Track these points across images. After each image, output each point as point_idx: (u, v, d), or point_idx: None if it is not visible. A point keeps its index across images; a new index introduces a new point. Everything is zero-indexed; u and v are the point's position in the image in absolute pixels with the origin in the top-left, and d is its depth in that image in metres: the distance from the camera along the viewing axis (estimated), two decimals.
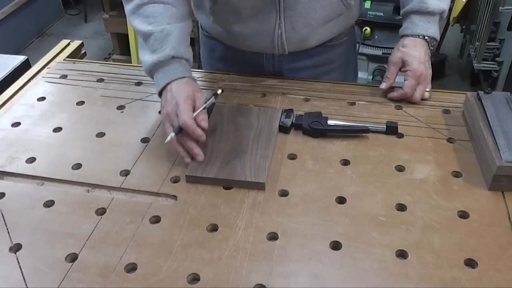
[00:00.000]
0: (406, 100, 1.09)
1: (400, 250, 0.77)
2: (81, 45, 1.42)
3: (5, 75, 1.31)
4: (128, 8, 1.04)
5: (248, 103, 1.12)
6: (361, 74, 2.58)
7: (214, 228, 0.82)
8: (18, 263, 0.78)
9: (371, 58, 2.66)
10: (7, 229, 0.83)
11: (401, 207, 0.85)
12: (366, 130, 1.00)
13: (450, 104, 1.09)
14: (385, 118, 1.04)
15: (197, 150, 0.93)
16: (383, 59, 2.59)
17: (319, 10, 1.09)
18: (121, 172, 0.94)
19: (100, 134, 1.04)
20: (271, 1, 1.06)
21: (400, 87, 1.09)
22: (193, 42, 2.47)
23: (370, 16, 2.54)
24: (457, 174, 0.91)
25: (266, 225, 0.82)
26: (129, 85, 1.20)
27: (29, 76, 1.25)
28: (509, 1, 2.35)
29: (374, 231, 0.81)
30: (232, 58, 1.24)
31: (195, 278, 0.75)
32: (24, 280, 0.75)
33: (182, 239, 0.80)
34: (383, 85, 1.10)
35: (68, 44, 1.40)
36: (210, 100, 0.98)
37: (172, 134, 0.92)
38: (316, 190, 0.89)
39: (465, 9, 2.66)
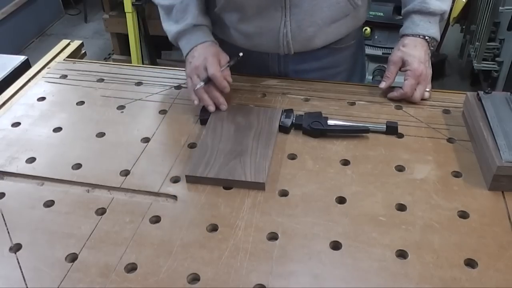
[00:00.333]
0: (406, 100, 1.09)
1: (400, 250, 0.77)
2: (81, 45, 1.42)
3: (5, 75, 1.31)
4: None
5: (248, 103, 1.12)
6: None
7: (214, 228, 0.82)
8: (18, 263, 0.77)
9: (371, 58, 2.66)
10: (7, 229, 0.83)
11: (401, 207, 0.85)
12: (366, 130, 1.00)
13: (450, 104, 1.09)
14: (385, 118, 1.04)
15: (222, 100, 1.06)
16: (383, 59, 2.59)
17: (326, 9, 1.08)
18: (121, 172, 0.94)
19: (100, 134, 1.04)
20: None
21: (400, 87, 1.09)
22: None
23: (370, 16, 2.53)
24: (457, 174, 0.91)
25: (266, 225, 0.82)
26: (129, 85, 1.20)
27: (29, 76, 1.25)
28: (509, 1, 2.34)
29: (374, 231, 0.81)
30: (238, 60, 1.23)
31: (195, 278, 0.75)
32: (24, 280, 0.75)
33: (182, 239, 0.80)
34: (383, 84, 1.10)
35: (68, 44, 1.40)
36: (233, 60, 1.10)
37: (202, 83, 1.04)
38: (316, 190, 0.89)
39: (465, 9, 2.66)
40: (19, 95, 1.19)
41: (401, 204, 0.85)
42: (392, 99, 1.10)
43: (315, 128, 1.00)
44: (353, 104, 1.11)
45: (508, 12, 2.38)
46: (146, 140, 1.02)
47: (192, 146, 1.00)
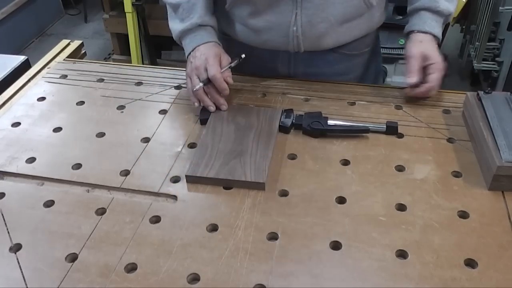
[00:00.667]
0: (406, 100, 1.09)
1: (400, 250, 0.77)
2: (81, 45, 1.42)
3: (5, 75, 1.31)
4: None
5: (248, 103, 1.12)
6: None
7: (214, 228, 0.82)
8: (18, 263, 0.78)
9: None
10: (7, 229, 0.83)
11: (401, 207, 0.85)
12: (366, 130, 1.00)
13: (450, 104, 1.09)
14: (385, 118, 1.04)
15: (222, 101, 1.06)
16: (383, 59, 2.59)
17: (338, 5, 1.06)
18: (121, 172, 0.94)
19: (100, 134, 1.04)
20: None
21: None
22: None
23: None
24: (457, 174, 0.91)
25: (266, 225, 0.82)
26: (129, 85, 1.20)
27: (29, 76, 1.25)
28: (509, 1, 2.35)
29: (374, 231, 0.81)
30: (247, 60, 1.20)
31: (195, 278, 0.75)
32: (24, 280, 0.75)
33: (182, 239, 0.80)
34: (413, 80, 1.04)
35: (68, 44, 1.40)
36: (235, 61, 1.09)
37: (201, 84, 1.04)
38: (316, 190, 0.89)
39: (465, 9, 2.65)
40: (19, 95, 1.19)
41: (401, 204, 0.85)
42: (416, 96, 1.07)
43: (315, 128, 1.00)
44: (353, 104, 1.11)
45: (508, 12, 2.38)
46: (146, 140, 1.02)
47: (192, 146, 1.00)
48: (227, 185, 0.90)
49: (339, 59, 1.19)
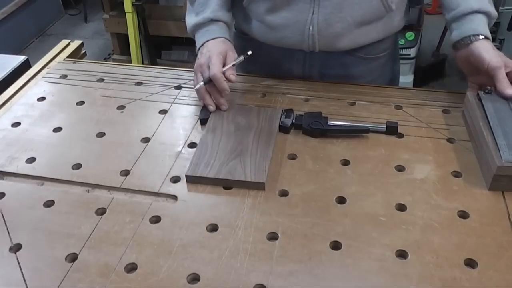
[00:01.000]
0: (406, 100, 1.09)
1: (400, 250, 0.77)
2: (81, 45, 1.42)
3: (5, 75, 1.31)
4: None
5: (248, 103, 1.12)
6: None
7: (214, 228, 0.82)
8: (18, 263, 0.78)
9: None
10: (7, 229, 0.83)
11: (401, 207, 0.85)
12: (366, 130, 1.00)
13: (450, 104, 1.09)
14: (385, 118, 1.04)
15: (222, 100, 1.06)
16: None
17: (356, 6, 1.05)
18: (121, 172, 0.94)
19: (100, 134, 1.04)
20: None
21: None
22: None
23: None
24: (457, 174, 0.91)
25: (266, 225, 0.82)
26: (129, 85, 1.20)
27: (29, 76, 1.25)
28: (509, 1, 2.35)
29: (374, 231, 0.81)
30: (262, 60, 1.20)
31: (195, 278, 0.75)
32: (24, 280, 0.75)
33: (182, 239, 0.80)
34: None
35: (68, 44, 1.40)
36: (239, 58, 1.07)
37: (202, 83, 1.04)
38: (316, 190, 0.89)
39: None
40: (19, 95, 1.19)
41: (401, 204, 0.85)
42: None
43: (315, 128, 1.00)
44: (353, 104, 1.11)
45: (508, 12, 2.38)
46: (146, 140, 1.02)
47: (192, 146, 1.00)
48: (227, 185, 0.90)
49: (354, 62, 1.18)
